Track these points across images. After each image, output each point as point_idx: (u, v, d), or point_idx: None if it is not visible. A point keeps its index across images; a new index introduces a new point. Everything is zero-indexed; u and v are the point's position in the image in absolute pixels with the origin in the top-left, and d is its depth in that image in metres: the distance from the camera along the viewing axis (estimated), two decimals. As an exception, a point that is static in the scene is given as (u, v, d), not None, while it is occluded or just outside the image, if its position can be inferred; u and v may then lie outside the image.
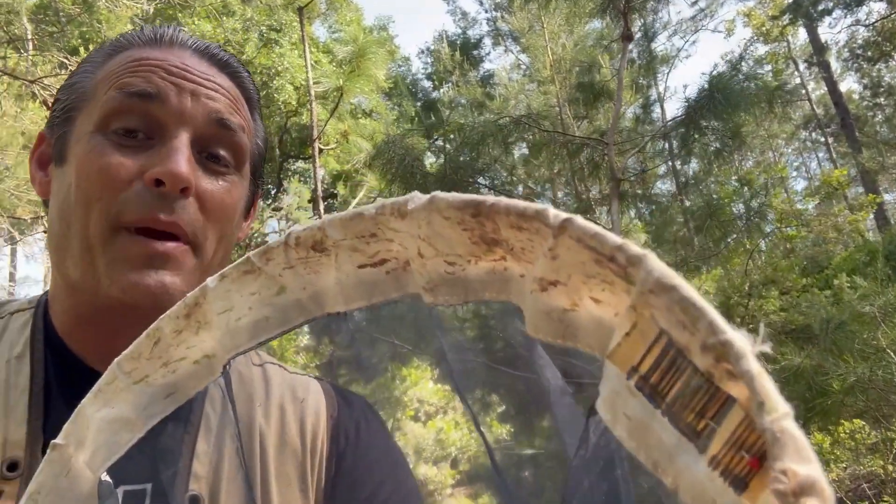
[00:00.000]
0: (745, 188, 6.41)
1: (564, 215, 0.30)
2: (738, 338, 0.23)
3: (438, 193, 0.34)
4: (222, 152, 0.65)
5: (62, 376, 0.63)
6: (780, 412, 0.21)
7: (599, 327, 0.30)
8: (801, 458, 0.20)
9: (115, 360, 0.41)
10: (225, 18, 9.32)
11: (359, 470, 0.68)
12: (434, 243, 0.35)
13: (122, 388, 0.42)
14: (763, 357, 0.23)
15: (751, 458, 0.23)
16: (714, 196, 6.25)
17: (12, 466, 0.56)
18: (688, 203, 6.85)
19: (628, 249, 0.27)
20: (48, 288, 0.70)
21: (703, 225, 5.95)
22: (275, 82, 10.20)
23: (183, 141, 0.61)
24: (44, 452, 0.40)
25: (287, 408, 0.68)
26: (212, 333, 0.41)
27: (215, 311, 0.40)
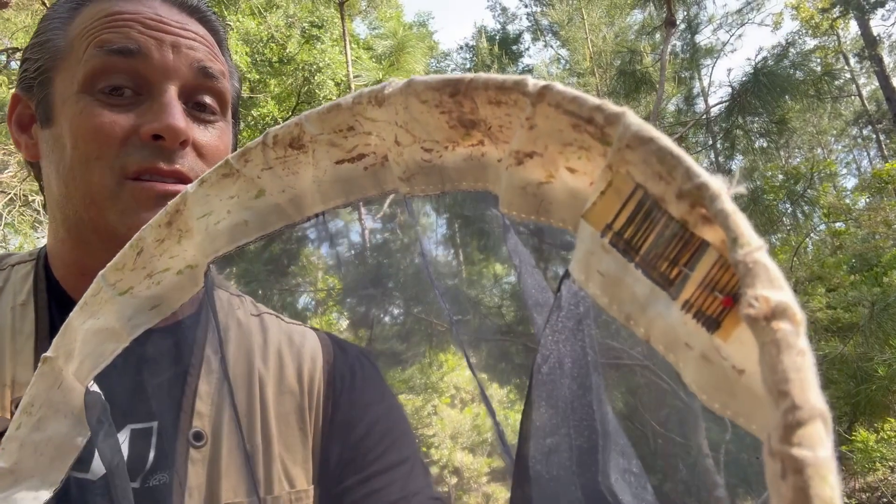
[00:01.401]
0: (792, 181, 6.25)
1: (543, 82, 0.28)
2: (714, 180, 0.22)
3: (416, 77, 0.33)
4: (208, 100, 0.66)
5: None
6: (754, 245, 0.20)
7: (574, 199, 0.29)
8: (773, 286, 0.19)
9: (101, 272, 0.41)
10: (268, 15, 9.46)
11: (354, 411, 0.69)
12: (411, 129, 0.34)
13: (107, 299, 0.41)
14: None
15: (724, 298, 0.22)
16: (759, 192, 6.12)
17: None
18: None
19: (607, 108, 0.26)
20: (46, 242, 0.71)
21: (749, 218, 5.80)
22: (316, 78, 10.30)
23: (172, 94, 0.62)
24: None
25: (284, 353, 0.70)
26: (193, 241, 0.41)
27: (195, 217, 0.40)
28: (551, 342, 0.29)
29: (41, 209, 7.28)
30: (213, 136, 0.66)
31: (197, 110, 0.66)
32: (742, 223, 0.21)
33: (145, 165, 0.60)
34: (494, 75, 0.30)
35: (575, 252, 0.27)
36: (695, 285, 0.23)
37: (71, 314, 0.41)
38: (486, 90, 0.30)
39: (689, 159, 0.23)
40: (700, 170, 0.22)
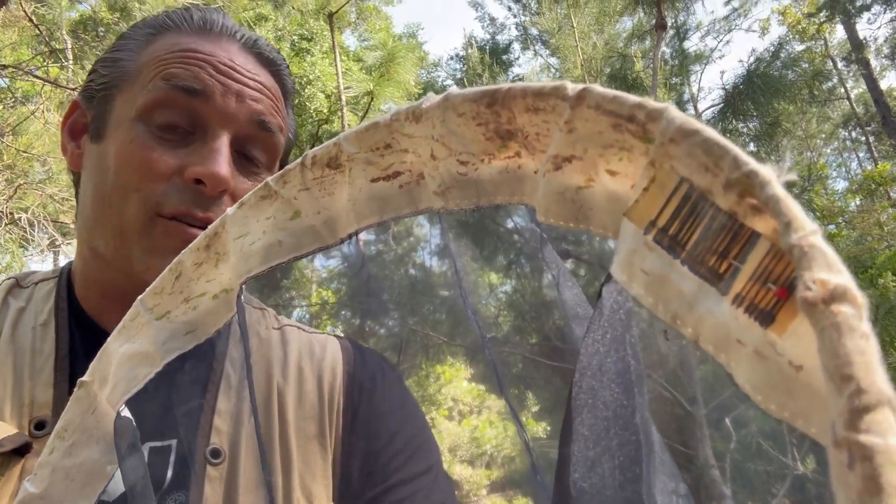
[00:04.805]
0: (791, 188, 6.26)
1: (583, 85, 0.29)
2: (763, 168, 0.22)
3: (453, 90, 0.33)
4: (257, 153, 0.67)
5: (86, 343, 0.64)
6: (808, 229, 0.20)
7: (614, 203, 0.29)
8: (831, 269, 0.19)
9: (139, 296, 0.41)
10: (258, 28, 9.46)
11: (374, 420, 0.69)
12: (447, 143, 0.35)
13: (144, 323, 0.41)
14: (789, 187, 0.22)
15: (778, 289, 0.22)
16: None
17: (40, 425, 0.58)
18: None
19: (648, 105, 0.26)
20: (71, 259, 0.71)
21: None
22: (307, 91, 10.30)
23: (224, 142, 0.62)
24: None
25: (305, 366, 0.70)
26: (228, 263, 0.41)
27: (232, 238, 0.40)
28: (591, 351, 0.28)
29: (28, 227, 7.25)
30: (254, 188, 0.66)
31: (245, 160, 0.66)
32: (795, 208, 0.20)
33: (181, 209, 0.60)
34: (532, 83, 0.30)
35: (616, 253, 0.27)
36: (746, 278, 0.22)
37: (109, 339, 0.41)
38: (525, 98, 0.30)
39: (736, 149, 0.23)
40: (748, 158, 0.22)
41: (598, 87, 0.28)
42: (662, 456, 0.30)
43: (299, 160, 0.39)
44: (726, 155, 0.23)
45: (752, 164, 0.22)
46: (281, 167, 0.73)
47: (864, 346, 0.18)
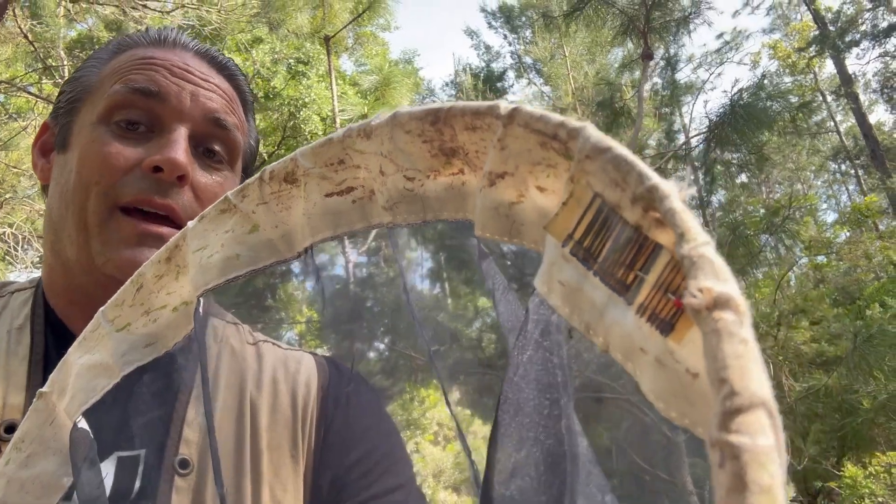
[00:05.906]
0: (772, 214, 6.34)
1: (514, 105, 0.30)
2: (665, 183, 0.23)
3: (401, 108, 0.34)
4: (217, 147, 0.69)
5: (61, 349, 0.64)
6: (700, 241, 0.21)
7: (543, 219, 0.30)
8: (717, 278, 0.20)
9: (101, 308, 0.42)
10: (254, 51, 9.53)
11: (347, 435, 0.69)
12: (395, 159, 0.36)
13: (105, 334, 0.42)
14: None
15: (676, 299, 0.22)
16: (741, 226, 6.17)
17: (10, 429, 0.57)
18: (714, 234, 6.78)
19: (569, 124, 0.27)
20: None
21: (730, 252, 5.88)
22: (302, 113, 10.37)
23: (181, 134, 0.65)
24: None
25: (279, 378, 0.70)
26: (188, 276, 0.41)
27: (191, 251, 0.41)
28: (517, 361, 0.29)
29: (10, 241, 7.23)
30: (214, 181, 0.69)
31: (206, 156, 0.69)
32: (689, 220, 0.21)
33: (139, 197, 0.62)
34: (471, 102, 0.32)
35: (541, 266, 0.28)
36: (649, 288, 0.23)
37: (69, 350, 0.41)
38: (463, 116, 0.31)
39: (642, 165, 0.24)
40: (652, 173, 0.23)
41: (527, 107, 0.29)
42: (591, 467, 0.30)
43: (258, 175, 0.40)
44: (632, 170, 0.24)
45: (655, 178, 0.23)
46: (245, 173, 0.75)
47: (742, 350, 0.18)
